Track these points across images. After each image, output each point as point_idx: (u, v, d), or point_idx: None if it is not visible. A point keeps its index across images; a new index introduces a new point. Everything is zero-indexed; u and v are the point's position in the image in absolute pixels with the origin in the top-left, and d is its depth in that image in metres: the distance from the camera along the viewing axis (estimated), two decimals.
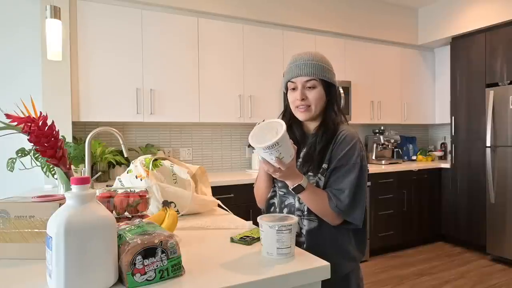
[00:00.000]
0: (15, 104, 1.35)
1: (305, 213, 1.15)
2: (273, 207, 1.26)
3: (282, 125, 0.94)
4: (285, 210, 1.21)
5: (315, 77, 1.14)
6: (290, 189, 1.07)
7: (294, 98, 1.17)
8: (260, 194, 1.28)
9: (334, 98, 1.19)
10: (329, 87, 1.18)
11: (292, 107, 1.20)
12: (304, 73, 1.14)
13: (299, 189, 1.06)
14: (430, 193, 3.97)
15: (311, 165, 1.15)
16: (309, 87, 1.15)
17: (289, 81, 1.18)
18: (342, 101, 3.61)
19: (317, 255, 0.99)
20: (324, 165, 1.15)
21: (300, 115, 1.18)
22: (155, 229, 0.81)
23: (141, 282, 0.73)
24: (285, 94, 1.24)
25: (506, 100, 3.36)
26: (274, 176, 1.05)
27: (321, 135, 1.17)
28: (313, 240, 1.15)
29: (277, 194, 1.25)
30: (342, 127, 1.19)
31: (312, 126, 1.22)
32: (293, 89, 1.17)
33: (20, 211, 0.89)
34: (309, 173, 1.15)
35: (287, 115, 1.24)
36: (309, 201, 1.10)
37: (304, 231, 1.16)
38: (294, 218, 0.95)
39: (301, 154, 1.19)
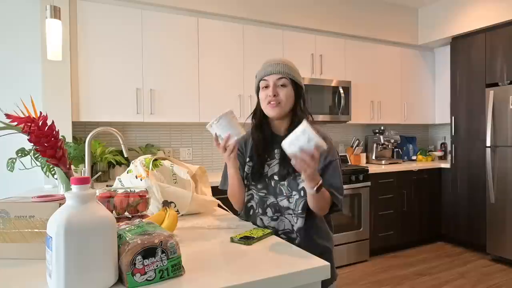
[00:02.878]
0: (15, 104, 1.35)
1: (299, 211, 1.22)
2: (252, 210, 1.31)
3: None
4: (269, 210, 1.26)
5: (286, 76, 1.22)
6: (314, 190, 1.06)
7: (266, 95, 1.24)
8: (237, 193, 1.30)
9: (301, 99, 1.27)
10: (298, 89, 1.26)
11: (263, 104, 1.26)
12: (276, 71, 1.22)
13: (321, 188, 1.10)
14: (430, 193, 3.97)
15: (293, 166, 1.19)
16: (281, 85, 1.23)
17: (261, 79, 1.25)
18: (342, 101, 3.61)
19: (310, 247, 1.10)
20: None
21: (270, 111, 1.24)
22: (155, 229, 0.81)
23: (141, 282, 0.73)
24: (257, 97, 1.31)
25: (506, 100, 3.36)
26: (306, 172, 1.02)
27: None
28: (306, 234, 1.23)
29: (255, 196, 1.29)
30: (315, 127, 1.24)
31: (281, 125, 1.29)
32: (265, 87, 1.24)
33: (20, 211, 0.89)
34: (296, 173, 1.21)
35: (258, 115, 1.31)
36: (322, 201, 1.15)
37: (295, 228, 1.22)
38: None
39: (277, 155, 1.27)
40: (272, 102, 1.22)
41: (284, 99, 1.22)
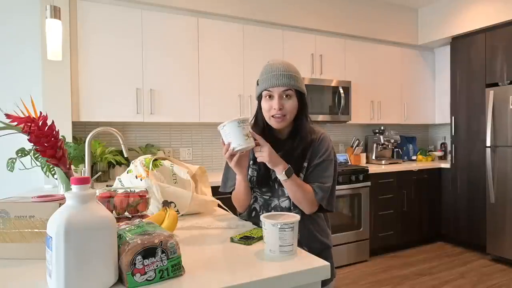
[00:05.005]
0: (15, 104, 1.35)
1: (296, 210, 1.24)
2: (255, 212, 1.32)
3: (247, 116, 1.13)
4: (273, 212, 1.27)
5: (291, 87, 1.21)
6: (283, 173, 1.14)
7: (270, 106, 1.22)
8: (242, 200, 1.30)
9: (305, 106, 1.27)
10: (301, 96, 1.25)
11: (266, 115, 1.25)
12: (282, 84, 1.20)
13: (291, 172, 1.15)
14: (430, 193, 3.97)
15: (293, 168, 1.22)
16: (286, 96, 1.22)
17: (265, 90, 1.23)
18: (342, 101, 3.61)
19: (311, 244, 1.16)
20: (305, 164, 1.25)
21: (276, 124, 1.24)
22: (155, 229, 0.81)
23: (141, 282, 0.73)
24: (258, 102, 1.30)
25: (506, 100, 3.36)
26: (260, 156, 1.13)
27: (297, 142, 1.25)
28: (306, 232, 1.26)
29: (259, 199, 1.31)
30: (317, 129, 1.30)
31: (283, 130, 1.29)
32: (269, 97, 1.23)
33: (20, 211, 0.89)
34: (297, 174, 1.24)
35: (259, 121, 1.30)
36: (295, 188, 1.18)
37: None
38: (296, 216, 0.96)
39: None
40: (277, 116, 1.21)
41: (289, 111, 1.21)
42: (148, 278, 0.74)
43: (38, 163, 2.00)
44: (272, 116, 1.22)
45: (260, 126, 1.29)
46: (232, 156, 1.13)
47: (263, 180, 1.29)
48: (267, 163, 1.14)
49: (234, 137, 1.10)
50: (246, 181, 1.25)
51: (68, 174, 1.27)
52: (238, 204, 1.34)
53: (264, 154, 1.12)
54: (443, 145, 4.57)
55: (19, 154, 1.98)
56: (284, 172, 1.14)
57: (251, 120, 1.32)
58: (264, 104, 1.24)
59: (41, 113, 1.16)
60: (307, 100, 1.29)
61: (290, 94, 1.21)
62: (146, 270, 0.73)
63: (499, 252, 3.40)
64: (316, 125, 1.33)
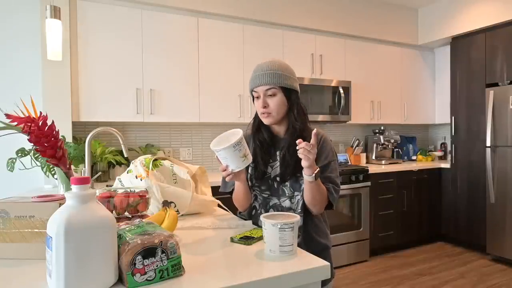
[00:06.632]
0: (15, 104, 1.35)
1: (299, 210, 1.25)
2: (254, 210, 1.34)
3: (239, 132, 1.11)
4: (271, 211, 1.29)
5: (275, 85, 1.23)
6: (313, 175, 1.12)
7: (258, 105, 1.28)
8: (242, 200, 1.31)
9: (295, 102, 1.28)
10: (290, 93, 1.26)
11: (258, 112, 1.29)
12: (264, 83, 1.23)
13: (318, 175, 1.15)
14: (430, 193, 3.97)
15: (293, 166, 1.24)
16: (270, 95, 1.24)
17: (252, 90, 1.27)
18: (342, 101, 3.61)
19: (311, 245, 1.17)
20: None
21: (264, 121, 1.29)
22: (155, 229, 0.81)
23: (141, 282, 0.73)
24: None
25: (506, 100, 3.36)
26: (308, 154, 1.08)
27: (289, 139, 1.27)
28: (307, 233, 1.27)
29: (258, 197, 1.32)
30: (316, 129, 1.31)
31: (280, 128, 1.32)
32: (257, 97, 1.28)
33: (20, 211, 0.89)
34: (298, 174, 1.24)
35: (256, 120, 1.35)
36: (316, 191, 1.18)
37: None
38: (296, 216, 0.97)
39: (278, 157, 1.29)
40: (264, 113, 1.25)
41: (274, 108, 1.24)
42: (148, 278, 0.74)
43: (38, 163, 2.01)
44: (262, 113, 1.26)
45: (257, 125, 1.34)
46: (227, 176, 1.15)
47: (261, 178, 1.30)
48: (306, 162, 1.10)
49: (232, 161, 1.10)
50: (244, 184, 1.26)
51: (68, 174, 1.27)
52: (238, 204, 1.35)
53: (312, 156, 1.09)
54: (443, 145, 4.57)
55: (19, 154, 1.98)
56: (314, 174, 1.12)
57: (252, 119, 1.36)
58: (255, 103, 1.30)
59: (41, 113, 1.16)
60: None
61: (274, 92, 1.24)
62: (146, 270, 0.73)
63: (499, 252, 3.40)
64: (314, 126, 1.34)
